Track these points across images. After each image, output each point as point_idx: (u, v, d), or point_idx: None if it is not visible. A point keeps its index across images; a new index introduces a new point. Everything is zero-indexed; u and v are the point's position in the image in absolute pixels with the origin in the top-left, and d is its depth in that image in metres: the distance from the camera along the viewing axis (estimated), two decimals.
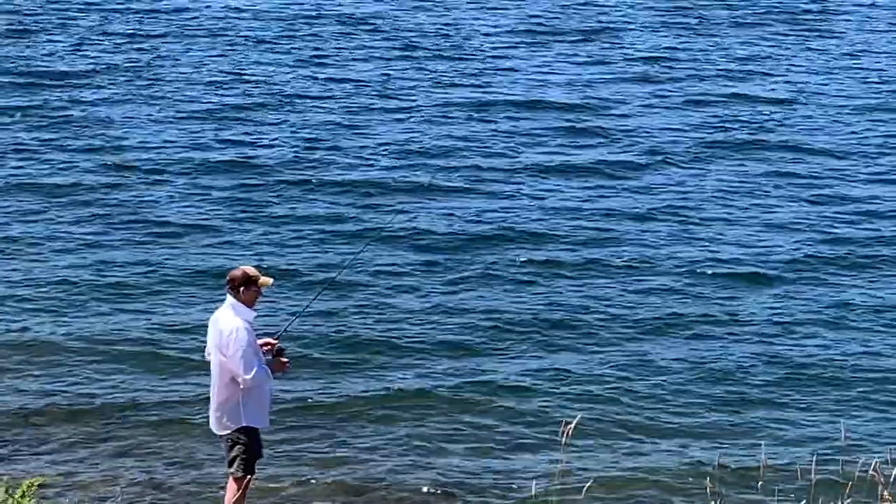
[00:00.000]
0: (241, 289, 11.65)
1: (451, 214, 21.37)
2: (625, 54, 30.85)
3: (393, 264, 19.37)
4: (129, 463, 14.23)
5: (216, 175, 22.75)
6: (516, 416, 15.32)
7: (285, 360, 11.98)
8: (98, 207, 21.35)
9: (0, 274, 18.79)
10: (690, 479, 13.91)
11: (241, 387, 11.54)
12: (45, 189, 21.84)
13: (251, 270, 11.78)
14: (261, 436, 11.92)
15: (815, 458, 12.60)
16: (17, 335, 17.23)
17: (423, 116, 25.98)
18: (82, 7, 33.04)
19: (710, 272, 19.31)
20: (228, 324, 11.55)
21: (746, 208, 21.96)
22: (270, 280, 11.89)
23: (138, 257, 19.45)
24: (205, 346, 12.08)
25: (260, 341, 11.88)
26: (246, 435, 11.66)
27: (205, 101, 26.53)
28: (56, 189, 21.84)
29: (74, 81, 27.44)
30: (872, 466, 10.70)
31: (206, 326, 12.00)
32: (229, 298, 11.70)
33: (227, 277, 11.82)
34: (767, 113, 26.89)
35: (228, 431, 11.69)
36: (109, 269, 19.04)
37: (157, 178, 22.47)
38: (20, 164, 22.87)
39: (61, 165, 22.90)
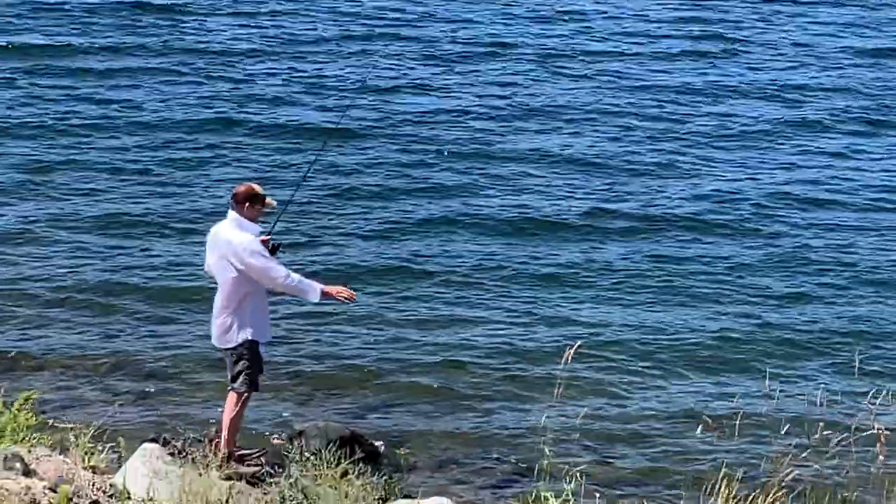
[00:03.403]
0: (247, 204, 11.49)
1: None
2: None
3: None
4: (126, 378, 14.17)
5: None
6: (515, 356, 15.14)
7: (344, 290, 11.59)
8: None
9: None
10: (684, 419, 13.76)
11: (278, 290, 11.50)
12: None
13: (257, 188, 11.62)
14: (261, 351, 11.75)
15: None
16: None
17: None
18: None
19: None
20: (238, 236, 11.35)
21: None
22: (274, 202, 11.75)
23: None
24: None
25: None
26: (249, 349, 11.48)
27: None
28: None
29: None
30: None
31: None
32: (232, 214, 11.50)
33: (233, 192, 11.64)
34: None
35: (232, 345, 11.50)
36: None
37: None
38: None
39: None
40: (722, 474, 9.44)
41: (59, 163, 20.49)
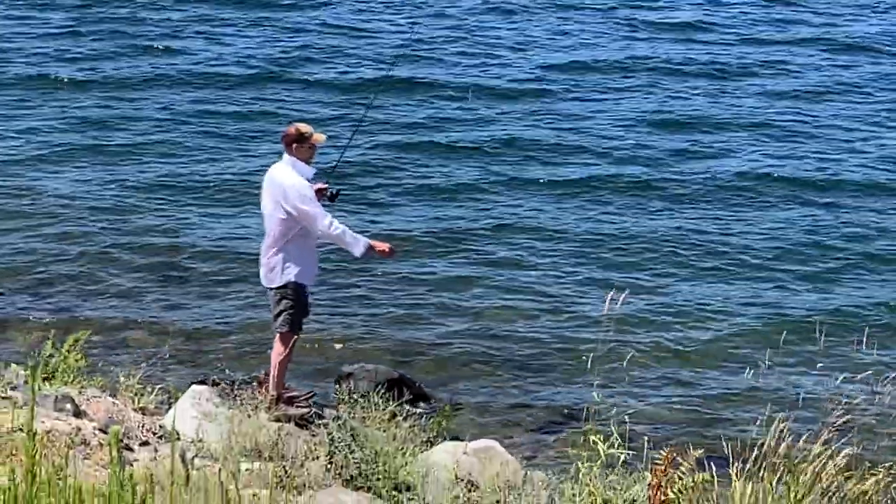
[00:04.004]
0: (295, 145, 11.47)
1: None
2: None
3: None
4: (175, 320, 14.25)
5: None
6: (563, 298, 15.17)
7: (389, 247, 11.66)
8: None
9: None
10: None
11: (318, 238, 11.45)
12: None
13: (304, 127, 11.56)
14: (308, 294, 11.77)
15: None
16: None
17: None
18: None
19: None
20: (290, 179, 11.35)
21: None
22: (324, 137, 11.67)
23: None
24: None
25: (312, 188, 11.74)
26: (293, 291, 11.49)
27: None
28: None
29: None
30: None
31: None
32: (286, 156, 11.51)
33: (282, 135, 11.64)
34: None
35: (276, 285, 11.53)
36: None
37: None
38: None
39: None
40: (770, 421, 9.35)
41: (115, 118, 20.47)
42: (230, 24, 25.05)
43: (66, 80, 21.91)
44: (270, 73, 22.57)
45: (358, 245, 11.45)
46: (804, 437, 8.57)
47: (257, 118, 20.67)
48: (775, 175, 19.06)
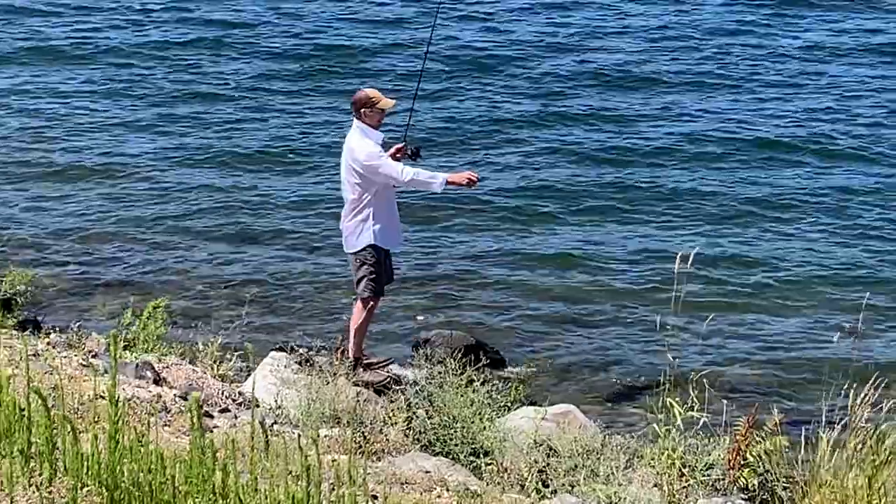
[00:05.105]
0: (364, 110, 11.49)
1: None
2: None
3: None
4: (253, 287, 14.32)
5: None
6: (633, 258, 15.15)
7: (468, 176, 11.59)
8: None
9: None
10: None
11: (407, 187, 11.53)
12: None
13: (372, 92, 11.59)
14: (392, 259, 11.78)
15: None
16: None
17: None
18: None
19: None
20: (359, 145, 11.41)
21: None
22: (392, 102, 11.65)
23: None
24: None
25: (391, 151, 11.75)
26: (373, 255, 11.52)
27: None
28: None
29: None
30: None
31: None
32: (355, 122, 11.55)
33: (352, 101, 11.66)
34: None
35: (356, 250, 11.57)
36: None
37: None
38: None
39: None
40: (853, 387, 9.22)
41: (179, 94, 20.53)
42: None
43: (137, 52, 22.02)
44: (346, 45, 22.49)
45: (436, 181, 11.45)
46: (889, 405, 8.46)
47: (330, 94, 20.62)
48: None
